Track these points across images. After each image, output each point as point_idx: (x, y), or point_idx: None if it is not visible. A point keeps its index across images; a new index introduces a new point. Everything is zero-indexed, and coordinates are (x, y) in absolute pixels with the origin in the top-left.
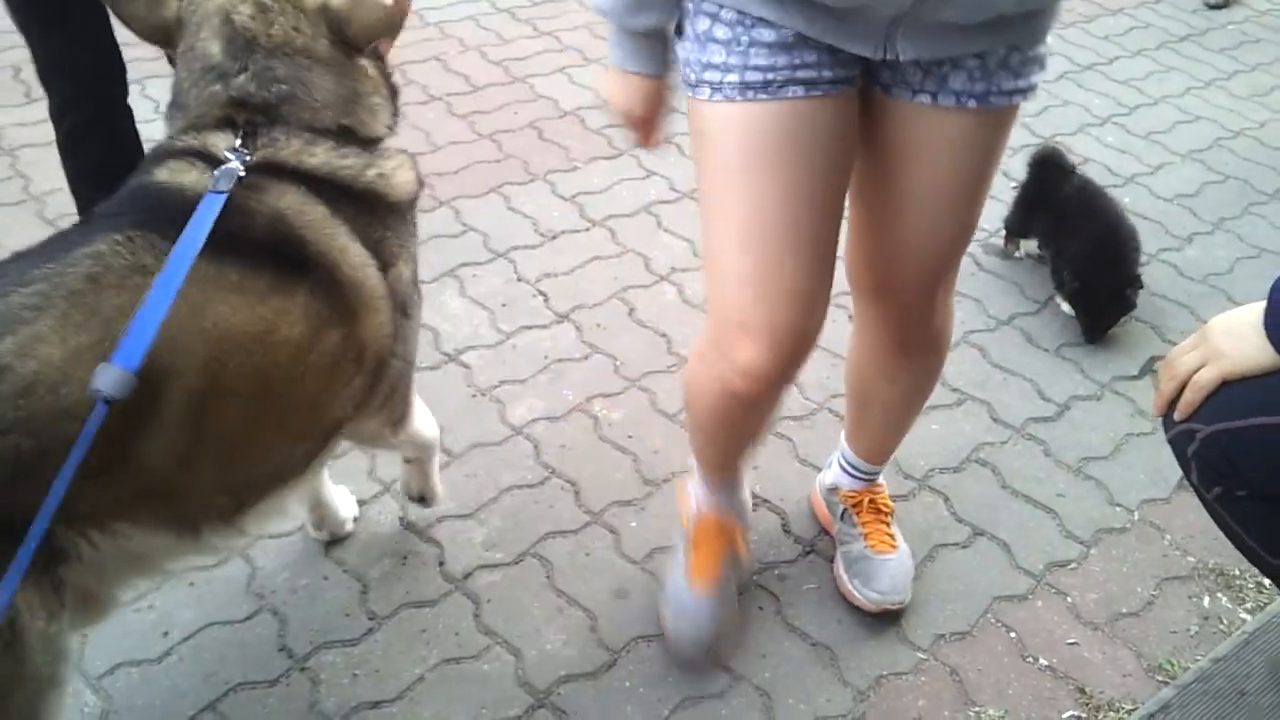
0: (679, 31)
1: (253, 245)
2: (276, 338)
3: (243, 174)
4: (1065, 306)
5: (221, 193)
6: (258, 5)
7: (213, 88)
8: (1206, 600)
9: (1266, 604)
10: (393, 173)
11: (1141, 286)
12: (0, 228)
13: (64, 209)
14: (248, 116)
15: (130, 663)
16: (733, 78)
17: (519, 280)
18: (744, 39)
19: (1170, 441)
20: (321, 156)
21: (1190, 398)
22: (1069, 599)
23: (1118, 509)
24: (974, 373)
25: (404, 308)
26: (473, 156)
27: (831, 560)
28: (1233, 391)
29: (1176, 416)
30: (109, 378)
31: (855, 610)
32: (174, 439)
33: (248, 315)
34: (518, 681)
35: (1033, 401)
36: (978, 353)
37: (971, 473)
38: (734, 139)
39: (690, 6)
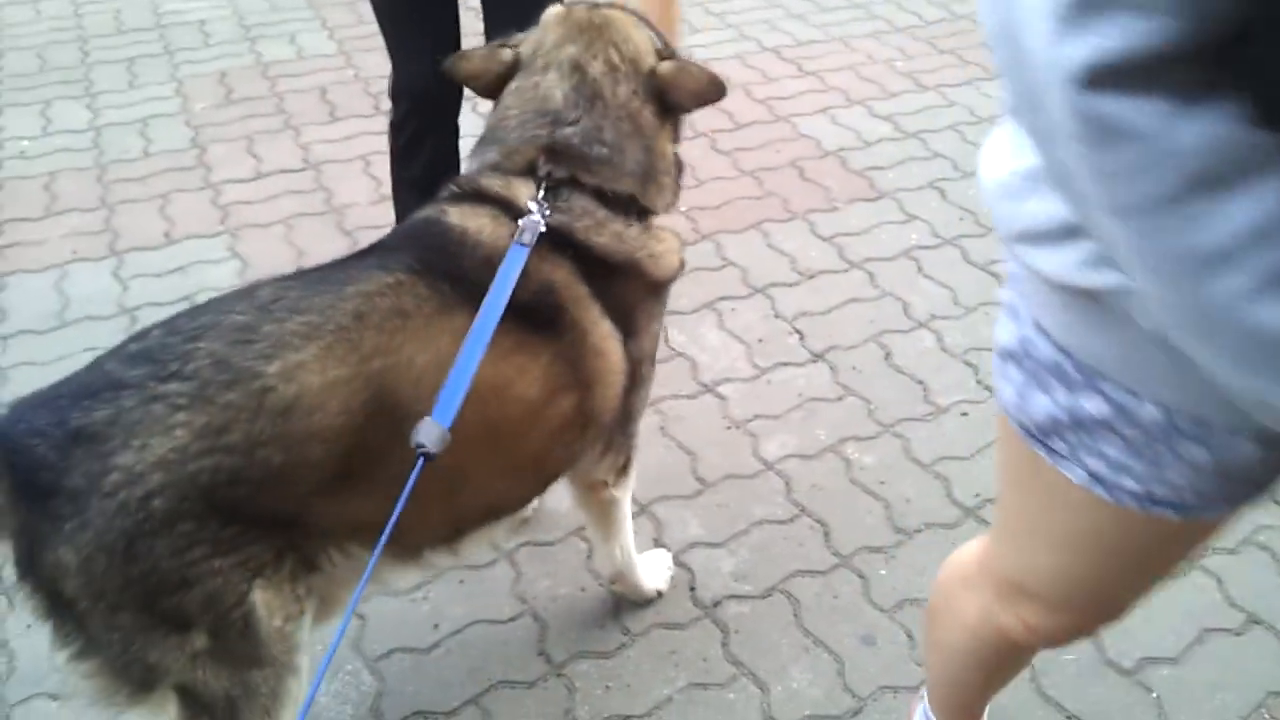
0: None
1: (512, 304)
2: (513, 393)
3: (544, 229)
4: None
5: (525, 246)
6: (608, 63)
7: (538, 130)
8: None
9: None
10: (662, 255)
11: None
12: (305, 235)
13: (361, 221)
14: (558, 169)
15: (404, 649)
16: (1132, 485)
17: (776, 317)
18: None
19: None
20: (607, 237)
21: None
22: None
23: None
24: None
25: (637, 379)
26: (734, 193)
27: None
28: None
29: None
30: (431, 433)
31: (1116, 689)
32: (404, 475)
33: (489, 369)
34: (762, 714)
35: None
36: None
37: (1248, 555)
38: (1095, 527)
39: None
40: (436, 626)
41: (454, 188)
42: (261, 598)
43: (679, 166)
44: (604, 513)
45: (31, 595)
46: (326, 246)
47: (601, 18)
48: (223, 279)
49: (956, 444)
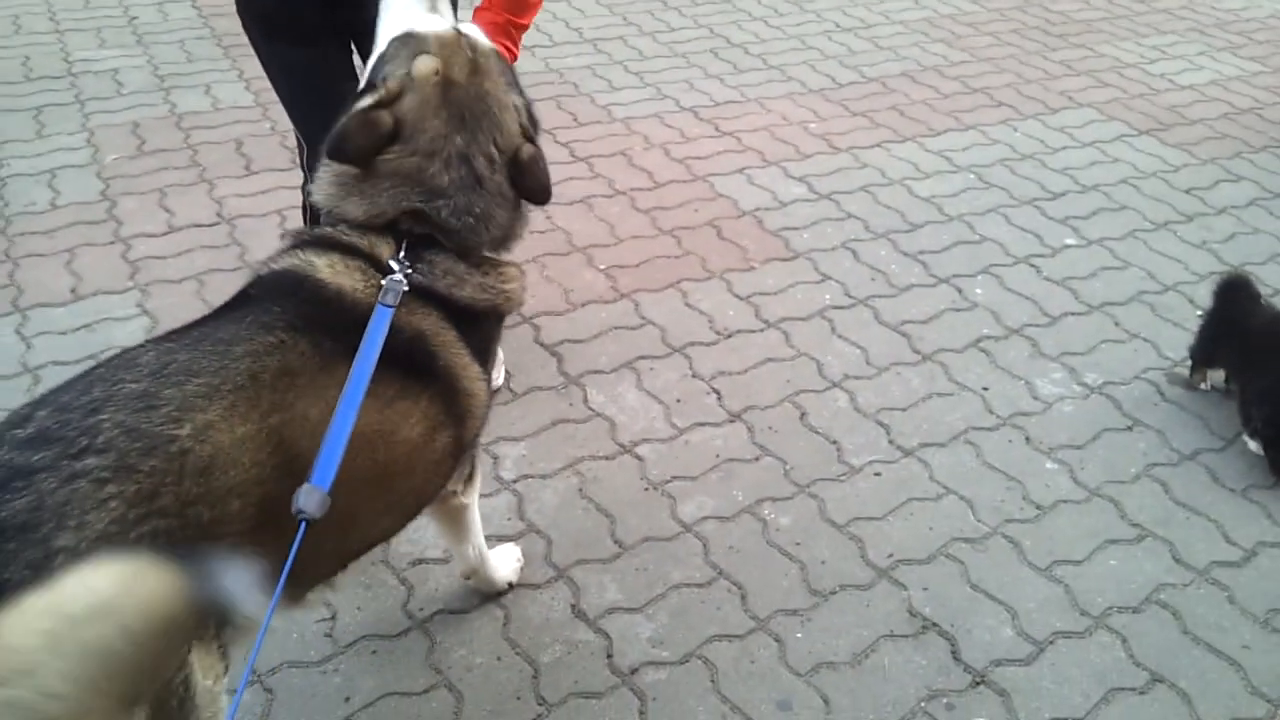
0: None
1: (389, 355)
2: (398, 437)
3: (407, 289)
4: (1253, 445)
5: (390, 307)
6: (488, 157)
7: (411, 199)
8: None
9: None
10: (514, 292)
11: None
12: (217, 292)
13: None
14: (419, 227)
15: None
16: None
17: (694, 376)
18: None
19: None
20: (470, 289)
21: None
22: None
23: None
24: (1155, 509)
25: (489, 403)
26: (653, 251)
27: (1003, 694)
28: None
29: None
30: (311, 499)
31: None
32: (325, 529)
33: (377, 417)
34: None
35: (1217, 544)
36: (1160, 488)
37: (1152, 615)
38: None
39: None
40: (348, 699)
41: (316, 237)
42: (196, 659)
43: (526, 225)
44: (455, 519)
45: None
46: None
47: (482, 96)
48: (131, 336)
49: (869, 504)
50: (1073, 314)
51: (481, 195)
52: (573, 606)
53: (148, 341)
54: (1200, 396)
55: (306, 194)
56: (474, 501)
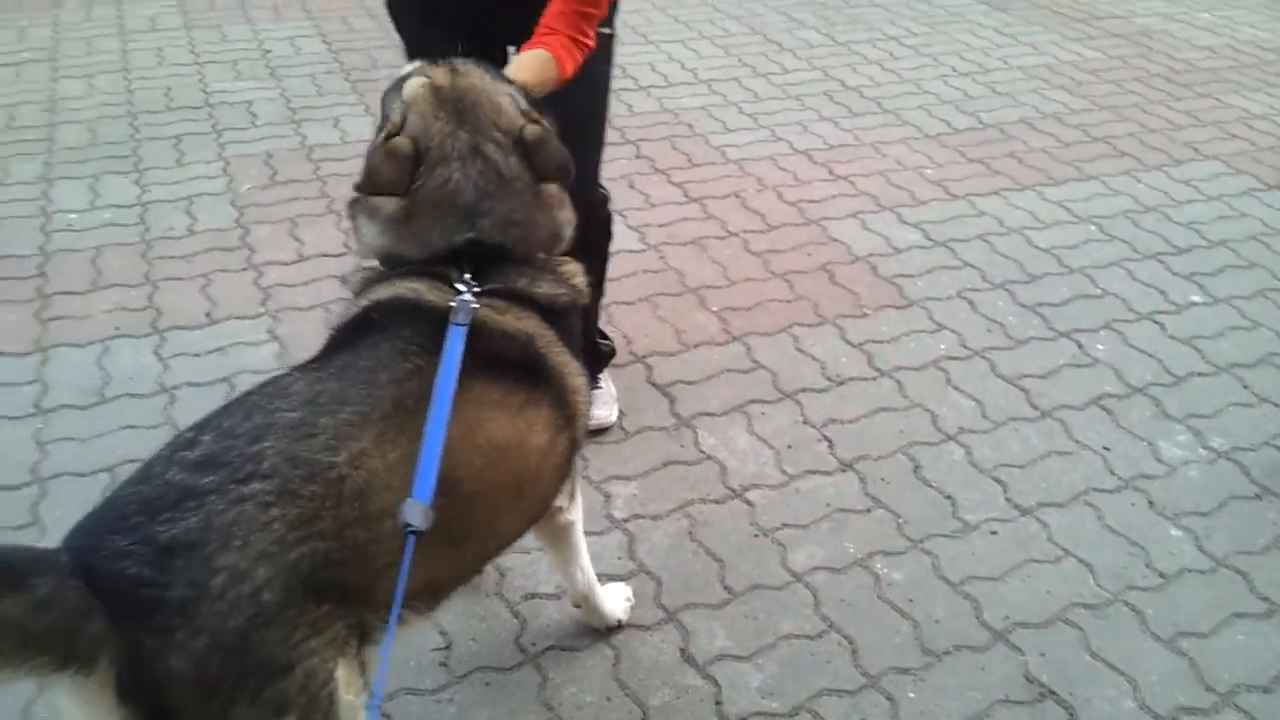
0: None
1: (510, 364)
2: (528, 445)
3: (476, 306)
4: None
5: (462, 325)
6: (496, 142)
7: (460, 231)
8: None
9: None
10: (577, 275)
11: None
12: None
13: None
14: (481, 252)
15: None
16: None
17: (805, 423)
18: None
19: None
20: (547, 288)
21: None
22: None
23: None
24: None
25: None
26: (765, 294)
27: None
28: None
29: None
30: (415, 512)
31: None
32: (454, 533)
33: (509, 428)
34: None
35: None
36: None
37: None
38: None
39: None
40: None
41: (393, 271)
42: (341, 674)
43: (572, 213)
44: (562, 538)
45: (133, 716)
46: None
47: (469, 91)
48: (263, 361)
49: (985, 563)
50: (1199, 374)
51: (508, 192)
52: (682, 650)
53: (294, 369)
54: None
55: None
56: (578, 520)
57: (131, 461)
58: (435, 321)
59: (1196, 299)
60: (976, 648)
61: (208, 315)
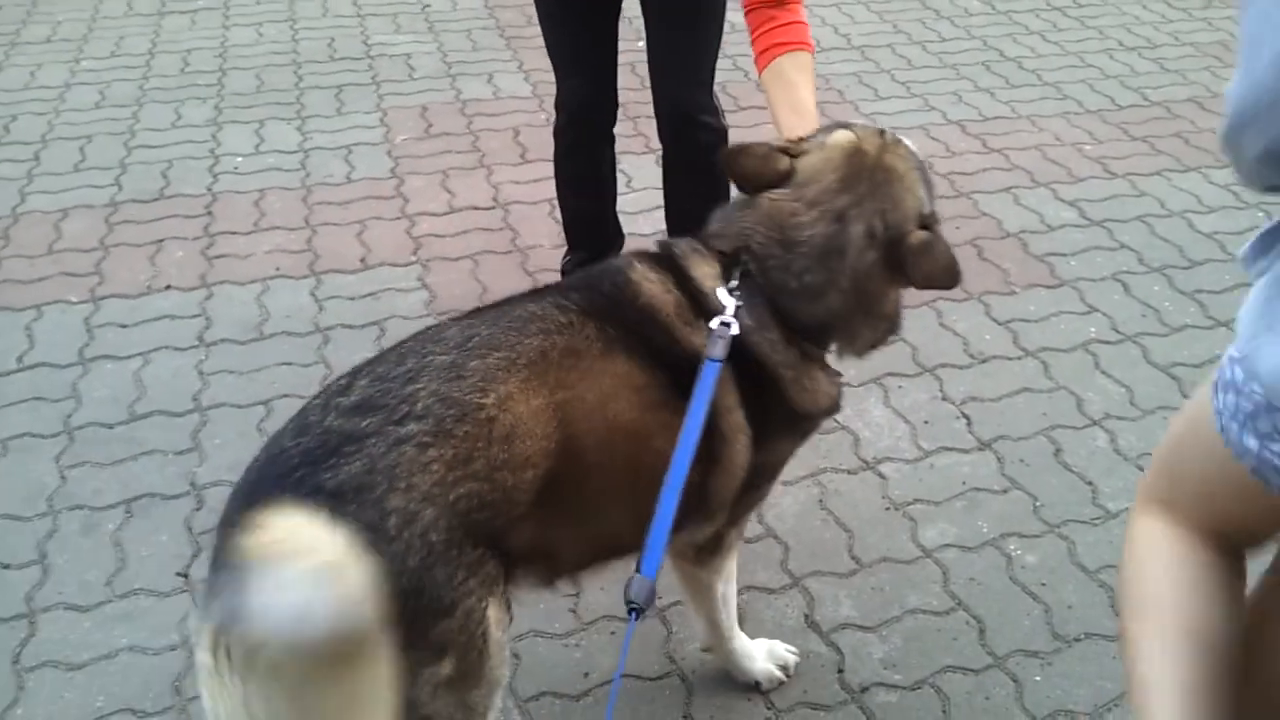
0: None
1: (665, 364)
2: (653, 444)
3: (734, 335)
4: None
5: (718, 361)
6: (869, 230)
7: (764, 240)
8: None
9: None
10: (810, 389)
11: None
12: (490, 272)
13: (543, 263)
14: (754, 264)
15: (554, 694)
16: None
17: (944, 399)
18: None
19: None
20: (764, 342)
21: None
22: None
23: None
24: None
25: (755, 482)
26: None
27: None
28: None
29: None
30: (641, 589)
31: None
32: (566, 502)
33: (637, 416)
34: None
35: None
36: None
37: None
38: None
39: None
40: (586, 675)
41: (654, 248)
42: (492, 613)
43: (893, 322)
44: (689, 585)
45: None
46: (509, 285)
47: (886, 170)
48: (411, 308)
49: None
50: None
51: (832, 266)
52: (806, 616)
53: (450, 319)
54: None
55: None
56: (715, 583)
57: (286, 397)
58: (613, 294)
59: None
60: (1109, 637)
61: (362, 260)
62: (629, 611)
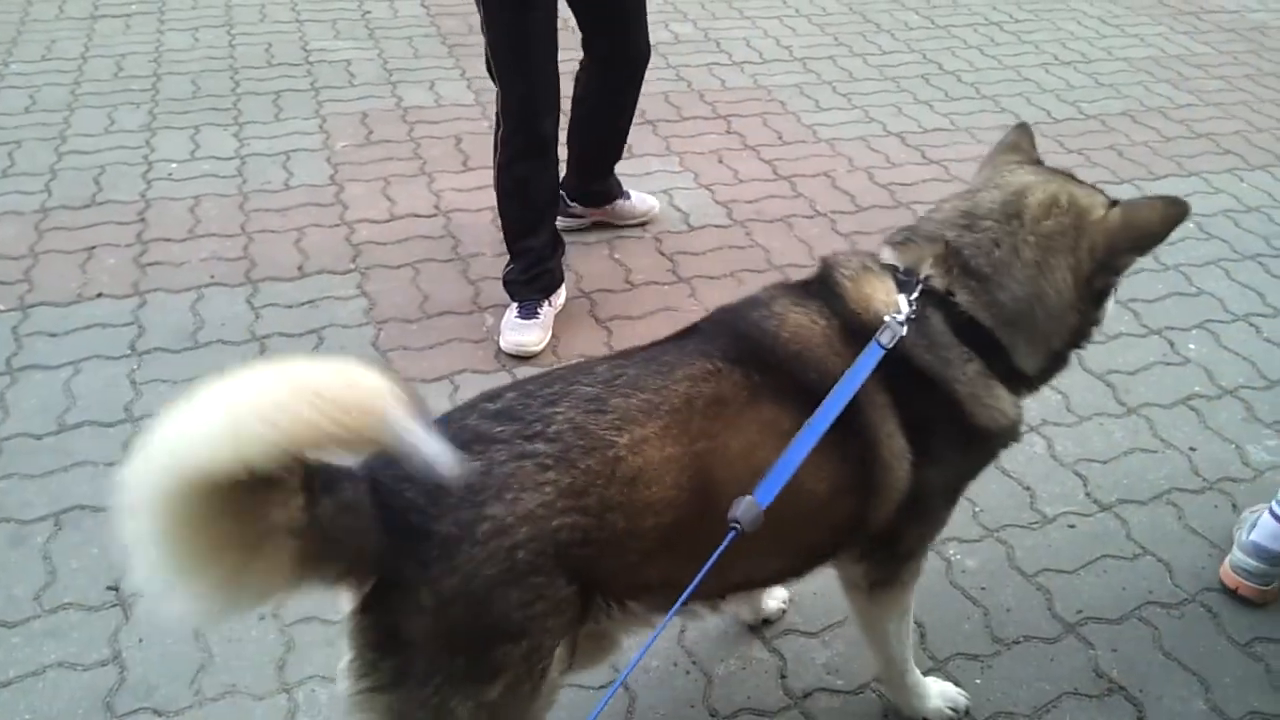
0: None
1: (818, 401)
2: (806, 488)
3: (904, 334)
4: None
5: (883, 347)
6: (1049, 204)
7: (948, 230)
8: None
9: None
10: (990, 404)
11: None
12: (431, 280)
13: (486, 271)
14: (940, 279)
15: None
16: None
17: None
18: None
19: None
20: (931, 354)
21: None
22: None
23: None
24: None
25: (920, 508)
26: None
27: None
28: None
29: None
30: (749, 511)
31: None
32: (699, 545)
33: (777, 454)
34: None
35: None
36: None
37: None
38: None
39: None
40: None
41: (819, 266)
42: (560, 653)
43: (1078, 335)
44: (859, 614)
45: (365, 629)
46: (450, 293)
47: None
48: (350, 316)
49: (1061, 556)
50: None
51: (1012, 234)
52: (749, 625)
53: (606, 357)
54: None
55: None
56: (885, 612)
57: None
58: (758, 336)
59: None
60: (1047, 639)
61: (300, 268)
62: (730, 529)
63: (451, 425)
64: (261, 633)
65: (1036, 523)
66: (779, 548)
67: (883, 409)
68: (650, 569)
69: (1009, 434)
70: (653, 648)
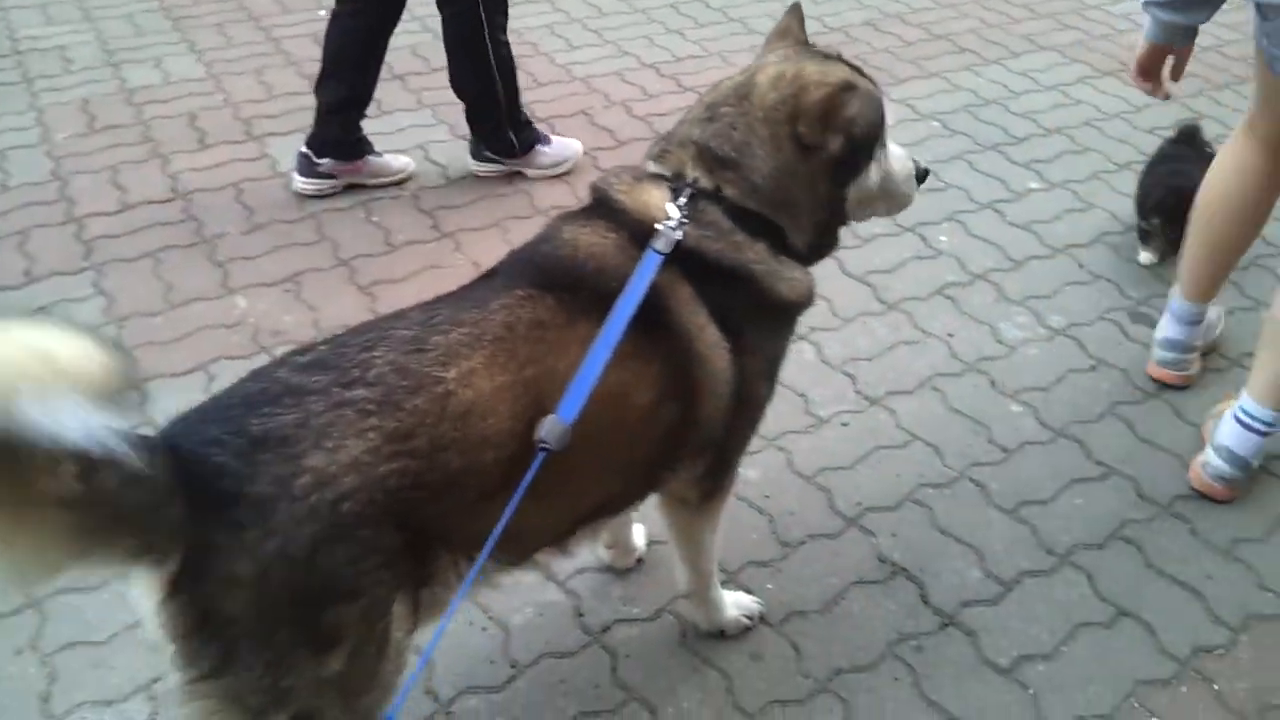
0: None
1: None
2: (630, 400)
3: (680, 238)
4: (1145, 257)
5: (660, 254)
6: (777, 74)
7: (694, 129)
8: None
9: None
10: (788, 277)
11: None
12: (174, 269)
13: (235, 251)
14: (705, 179)
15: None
16: None
17: None
18: None
19: None
20: (723, 244)
21: None
22: (1216, 686)
23: (1269, 595)
24: (1119, 446)
25: (745, 397)
26: None
27: (970, 634)
28: None
29: None
30: (554, 429)
31: (994, 688)
32: (541, 480)
33: (611, 377)
34: None
35: (1180, 477)
36: (1124, 425)
37: (1116, 550)
38: None
39: None
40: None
41: (591, 191)
42: (398, 610)
43: (833, 215)
44: (680, 533)
45: (179, 613)
46: (196, 280)
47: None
48: (89, 316)
49: (837, 455)
50: (1037, 258)
51: (745, 115)
52: (614, 568)
53: (415, 305)
54: None
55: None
56: (709, 522)
57: None
58: (556, 262)
59: (1034, 185)
60: (830, 535)
61: (26, 273)
62: (538, 449)
63: (261, 380)
64: (21, 667)
65: (812, 426)
66: (614, 468)
67: (689, 304)
68: (497, 513)
69: (807, 299)
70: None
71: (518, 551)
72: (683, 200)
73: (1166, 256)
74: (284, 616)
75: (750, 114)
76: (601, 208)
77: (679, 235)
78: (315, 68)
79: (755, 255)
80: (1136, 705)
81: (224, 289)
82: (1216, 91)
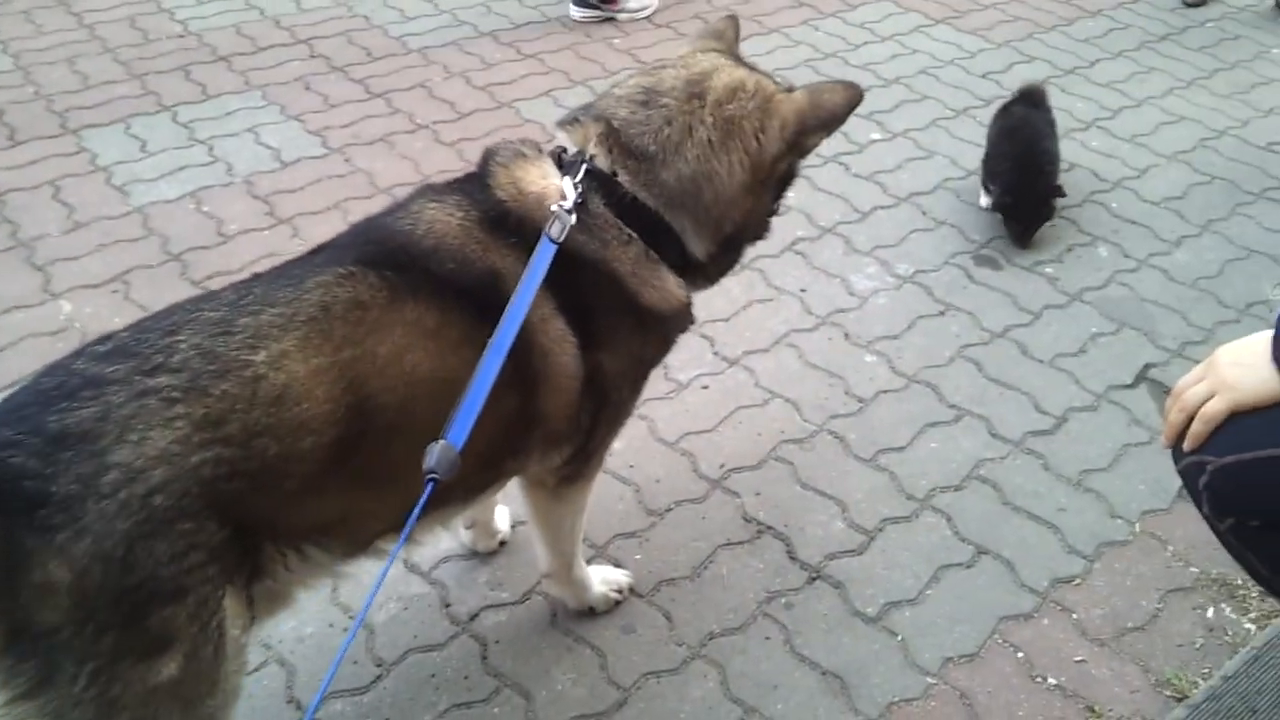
0: None
1: (459, 292)
2: (456, 389)
3: (573, 222)
4: (985, 200)
5: (554, 242)
6: (734, 80)
7: (618, 109)
8: (1210, 611)
9: (1270, 614)
10: (657, 285)
11: (1063, 195)
12: None
13: (54, 253)
14: (604, 160)
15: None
16: None
17: None
18: None
19: (1180, 473)
20: (616, 251)
21: (1199, 429)
22: (1075, 615)
23: (1119, 521)
24: (971, 388)
25: (601, 397)
26: None
27: (838, 586)
28: (1243, 423)
29: (1186, 447)
30: (443, 458)
31: (863, 638)
32: (369, 468)
33: (439, 363)
34: None
35: (1030, 415)
36: (974, 367)
37: (973, 490)
38: None
39: None
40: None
41: (479, 161)
42: (230, 606)
43: (756, 223)
44: (540, 516)
45: None
46: (16, 287)
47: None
48: None
49: (699, 418)
50: (882, 208)
51: (690, 115)
52: (405, 561)
53: (231, 284)
54: (1007, 276)
55: None
56: (568, 506)
57: None
58: (388, 237)
59: (876, 136)
60: (696, 499)
61: None
62: (426, 481)
63: (57, 374)
64: None
65: (673, 391)
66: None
67: (536, 294)
68: (323, 502)
69: (682, 317)
70: (306, 611)
71: (350, 540)
72: (578, 179)
73: (1025, 242)
74: (107, 621)
75: (697, 114)
76: (471, 181)
77: (573, 220)
78: (133, 54)
79: (624, 256)
80: (1001, 641)
81: (46, 294)
82: (1045, 34)
